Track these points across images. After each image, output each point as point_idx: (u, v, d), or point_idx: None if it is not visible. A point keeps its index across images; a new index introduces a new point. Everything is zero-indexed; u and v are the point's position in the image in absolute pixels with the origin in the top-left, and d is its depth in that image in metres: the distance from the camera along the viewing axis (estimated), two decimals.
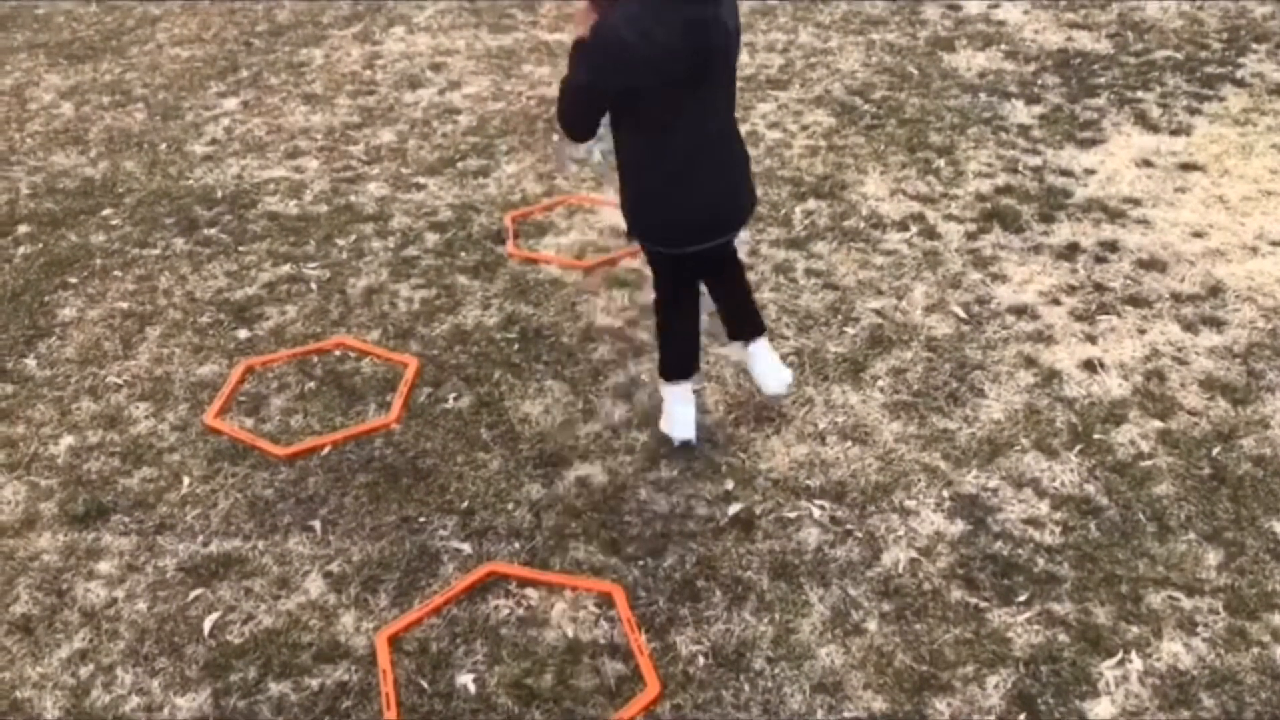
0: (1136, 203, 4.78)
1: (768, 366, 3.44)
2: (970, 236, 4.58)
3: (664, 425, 3.48)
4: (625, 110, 2.88)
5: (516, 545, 3.17)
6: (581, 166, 5.24)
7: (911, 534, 3.16)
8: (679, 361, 3.40)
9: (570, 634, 2.90)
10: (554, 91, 6.05)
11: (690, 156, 2.93)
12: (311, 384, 3.86)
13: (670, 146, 2.91)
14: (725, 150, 3.04)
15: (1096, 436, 3.48)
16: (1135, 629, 2.85)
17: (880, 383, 3.75)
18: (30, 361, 4.04)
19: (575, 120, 2.91)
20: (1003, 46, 6.40)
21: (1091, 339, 3.93)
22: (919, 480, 3.34)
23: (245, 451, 3.55)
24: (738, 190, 3.11)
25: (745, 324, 3.45)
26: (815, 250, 4.51)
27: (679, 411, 3.43)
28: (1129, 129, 5.41)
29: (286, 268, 4.54)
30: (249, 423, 3.69)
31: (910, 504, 3.26)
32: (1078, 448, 3.45)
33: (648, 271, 4.38)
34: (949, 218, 4.71)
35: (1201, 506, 3.22)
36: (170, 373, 3.94)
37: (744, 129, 5.48)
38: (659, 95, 2.80)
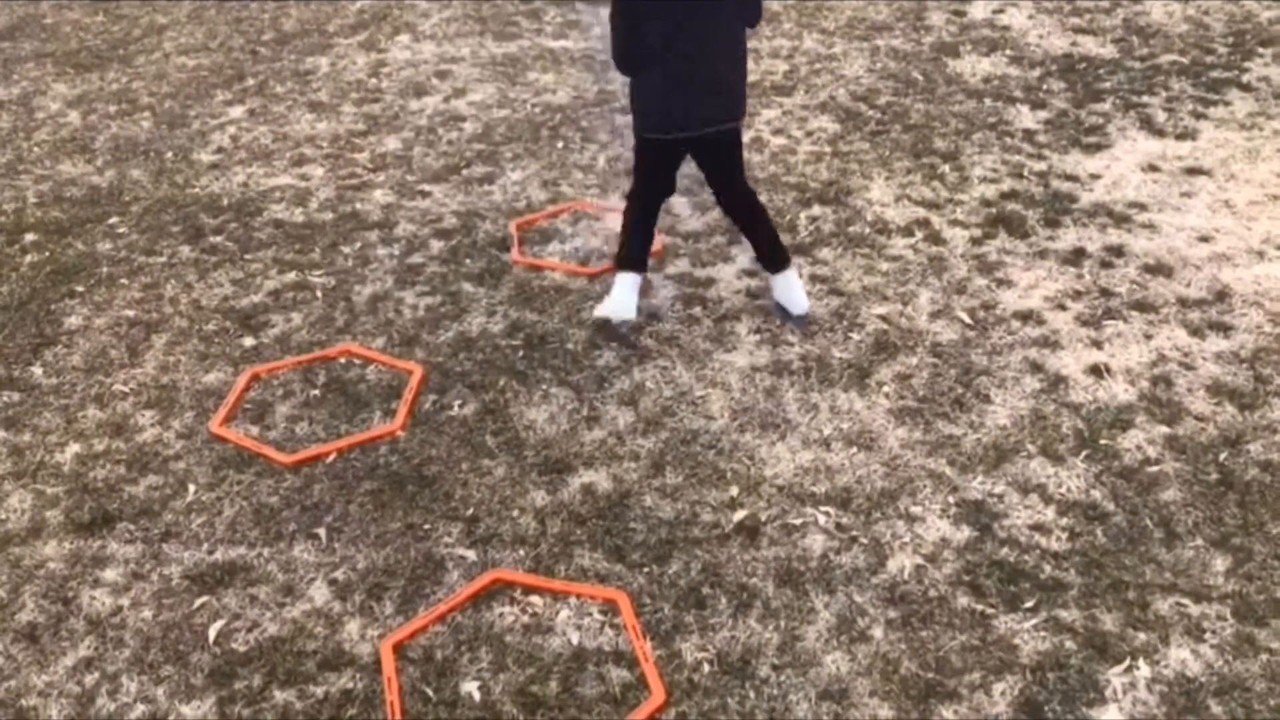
0: (1142, 207, 4.77)
1: (798, 288, 4.02)
2: (975, 242, 4.57)
3: (604, 310, 3.95)
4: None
5: (521, 552, 3.17)
6: (586, 174, 5.24)
7: (917, 540, 3.15)
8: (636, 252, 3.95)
9: (575, 641, 2.89)
10: (559, 99, 6.07)
11: (669, 59, 3.56)
12: (317, 391, 3.86)
13: (658, 50, 3.55)
14: (703, 62, 3.59)
15: (1103, 442, 3.47)
16: (1143, 636, 2.84)
17: (885, 389, 3.74)
18: (37, 369, 4.05)
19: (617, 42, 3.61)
20: (1007, 52, 6.40)
21: (1098, 344, 3.92)
22: (925, 486, 3.34)
23: (250, 459, 3.55)
24: (707, 94, 3.65)
25: (769, 255, 4.01)
26: (820, 256, 4.51)
27: (625, 295, 3.93)
28: (1134, 134, 5.40)
29: (292, 275, 4.55)
30: (254, 430, 3.70)
31: (916, 510, 3.25)
32: (1084, 453, 3.43)
33: (652, 277, 4.39)
34: (954, 223, 4.71)
35: (1209, 512, 3.21)
36: (176, 380, 3.94)
37: (748, 136, 5.50)
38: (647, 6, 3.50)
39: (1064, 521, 3.19)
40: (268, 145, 5.69)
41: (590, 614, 2.97)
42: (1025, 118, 5.61)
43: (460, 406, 3.74)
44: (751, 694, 2.73)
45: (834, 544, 3.15)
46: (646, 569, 3.09)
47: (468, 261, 4.58)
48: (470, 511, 3.31)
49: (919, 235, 4.62)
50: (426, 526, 3.27)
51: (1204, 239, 4.52)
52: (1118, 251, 4.46)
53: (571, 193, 5.10)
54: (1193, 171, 5.04)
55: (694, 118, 3.67)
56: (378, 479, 3.45)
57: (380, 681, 2.79)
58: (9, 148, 5.81)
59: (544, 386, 3.81)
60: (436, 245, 4.73)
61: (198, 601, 3.05)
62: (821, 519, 3.23)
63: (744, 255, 4.51)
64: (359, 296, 4.39)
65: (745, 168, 3.95)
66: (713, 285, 4.34)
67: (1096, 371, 3.78)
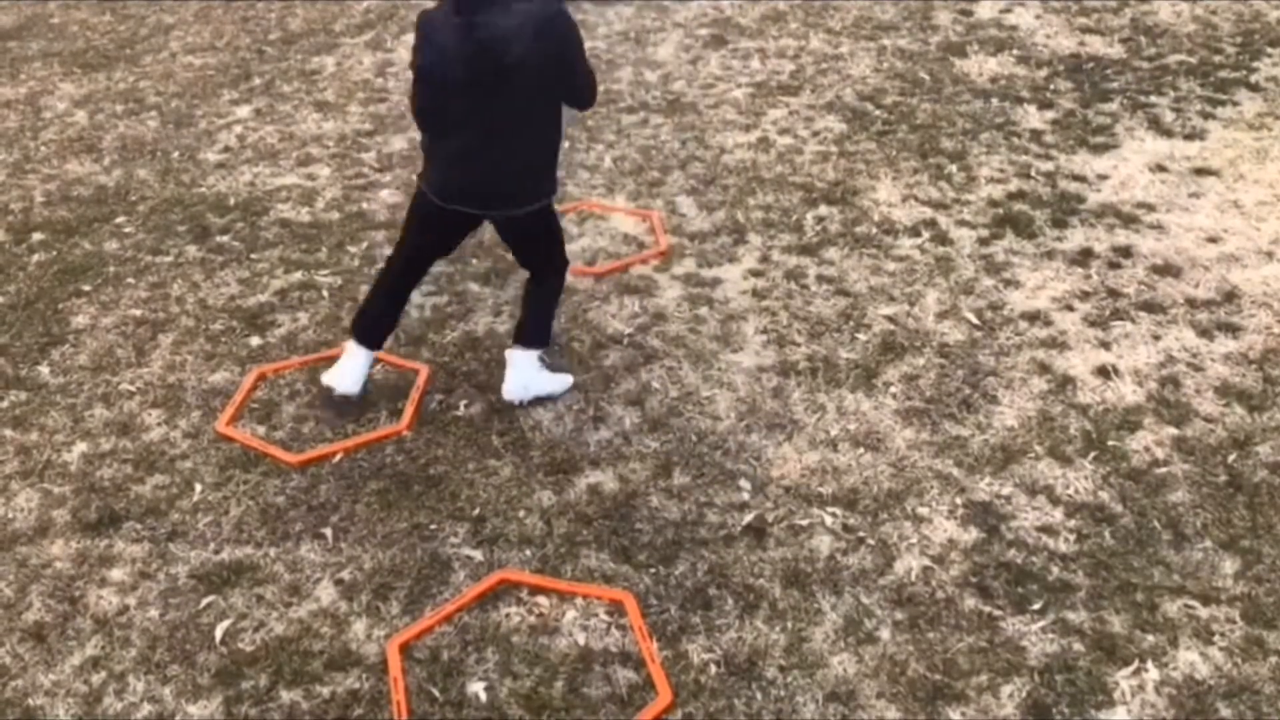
0: (1150, 208, 4.76)
1: (512, 375, 3.70)
2: (983, 242, 4.56)
3: (328, 377, 3.68)
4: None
5: (528, 553, 3.16)
6: (592, 173, 5.24)
7: (924, 541, 3.14)
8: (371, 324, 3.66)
9: (582, 642, 2.89)
10: None
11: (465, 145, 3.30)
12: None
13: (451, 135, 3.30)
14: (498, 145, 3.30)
15: (1111, 443, 3.46)
16: (1151, 638, 2.83)
17: (892, 389, 3.73)
18: (44, 369, 4.05)
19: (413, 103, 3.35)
20: (1015, 51, 6.38)
21: (1105, 345, 3.91)
22: (932, 487, 3.33)
23: (257, 459, 3.55)
24: (496, 176, 3.36)
25: (519, 329, 3.73)
26: (827, 256, 4.50)
27: (351, 367, 3.65)
28: (1142, 134, 5.39)
29: (298, 275, 4.55)
30: (261, 430, 3.70)
31: (923, 511, 3.25)
32: (1092, 454, 3.42)
33: (659, 278, 4.39)
34: (961, 223, 4.70)
35: (1217, 514, 3.19)
36: (183, 380, 3.94)
37: (755, 135, 5.49)
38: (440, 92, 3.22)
39: (1072, 523, 3.18)
40: (274, 145, 5.70)
41: (597, 615, 2.97)
42: (1032, 118, 5.60)
43: (466, 406, 3.74)
44: (758, 695, 2.73)
45: (841, 545, 3.14)
46: (653, 570, 3.09)
47: (474, 261, 4.58)
48: (477, 512, 3.31)
49: (926, 235, 4.61)
50: (433, 527, 3.26)
51: (1212, 240, 4.51)
52: (1125, 252, 4.45)
53: (577, 192, 5.09)
54: (1201, 172, 5.02)
55: (475, 195, 3.39)
56: (384, 479, 3.45)
57: (386, 682, 2.79)
58: (16, 147, 5.81)
59: None
60: None
61: (204, 601, 3.06)
62: (828, 520, 3.22)
63: (750, 255, 4.51)
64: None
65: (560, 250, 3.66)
66: (719, 285, 4.33)
67: (1104, 373, 3.77)
